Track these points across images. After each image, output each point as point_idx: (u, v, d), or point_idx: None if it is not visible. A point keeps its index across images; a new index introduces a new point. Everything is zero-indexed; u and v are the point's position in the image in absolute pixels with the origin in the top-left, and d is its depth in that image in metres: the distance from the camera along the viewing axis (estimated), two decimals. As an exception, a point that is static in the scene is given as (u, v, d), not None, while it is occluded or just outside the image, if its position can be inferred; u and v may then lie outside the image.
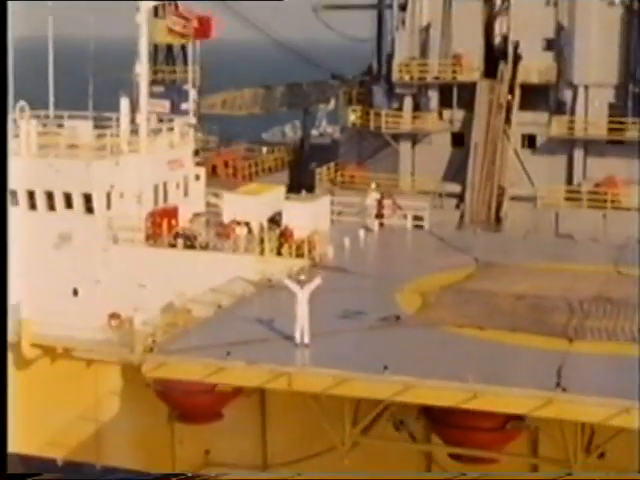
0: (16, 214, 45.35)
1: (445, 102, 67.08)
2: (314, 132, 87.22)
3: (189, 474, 36.15)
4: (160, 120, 55.26)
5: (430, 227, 54.65)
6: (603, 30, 64.06)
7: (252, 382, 33.22)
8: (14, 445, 45.96)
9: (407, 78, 65.99)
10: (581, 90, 64.51)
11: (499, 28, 69.47)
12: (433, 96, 66.58)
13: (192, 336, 35.83)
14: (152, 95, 67.87)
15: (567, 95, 64.88)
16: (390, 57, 66.62)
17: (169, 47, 73.58)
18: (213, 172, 63.45)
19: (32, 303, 45.57)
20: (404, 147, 66.90)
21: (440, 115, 67.17)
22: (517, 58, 65.83)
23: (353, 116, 67.83)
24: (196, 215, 50.76)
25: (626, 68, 64.00)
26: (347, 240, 48.50)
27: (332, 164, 69.33)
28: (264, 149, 75.91)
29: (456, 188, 65.30)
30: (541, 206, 63.84)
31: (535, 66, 65.61)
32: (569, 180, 64.97)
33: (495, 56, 67.52)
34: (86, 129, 50.73)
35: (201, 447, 42.18)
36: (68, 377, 45.58)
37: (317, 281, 34.53)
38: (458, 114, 66.86)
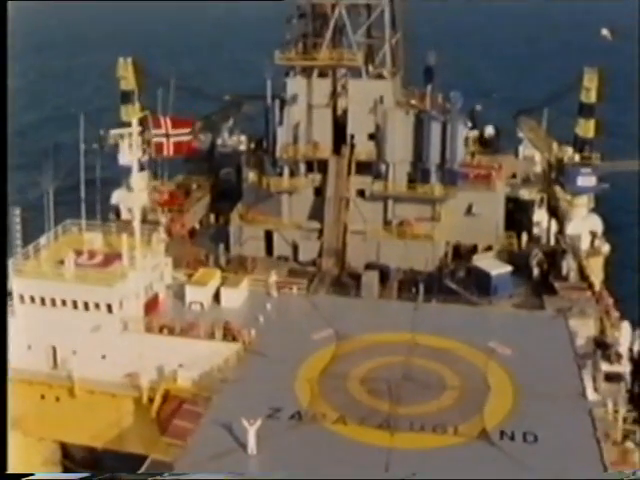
0: (68, 313, 54.28)
1: (309, 169, 71.68)
2: (219, 141, 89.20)
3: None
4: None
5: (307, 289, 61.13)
6: (402, 129, 69.30)
7: None
8: (77, 438, 55.23)
9: (285, 157, 70.43)
10: (391, 165, 69.75)
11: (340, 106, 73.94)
12: (302, 166, 71.27)
13: (190, 456, 41.64)
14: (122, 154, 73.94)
15: (383, 167, 70.00)
16: (274, 141, 70.53)
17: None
18: (169, 234, 68.01)
19: (78, 364, 54.66)
20: (284, 197, 71.51)
21: (306, 176, 71.48)
22: (353, 145, 71.15)
23: (252, 175, 72.02)
24: (167, 287, 59.89)
25: (416, 152, 69.50)
26: (261, 317, 55.23)
27: (239, 205, 72.96)
28: (194, 186, 79.42)
29: (317, 225, 70.30)
30: (369, 237, 69.53)
31: (364, 150, 70.67)
32: (385, 219, 70.48)
33: (340, 140, 71.82)
34: (98, 239, 59.06)
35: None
36: (100, 404, 54.62)
37: (258, 423, 41.53)
38: (317, 176, 71.45)
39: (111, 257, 56.66)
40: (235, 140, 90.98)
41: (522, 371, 50.02)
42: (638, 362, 54.19)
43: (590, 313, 58.55)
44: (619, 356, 53.49)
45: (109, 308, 53.88)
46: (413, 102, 72.94)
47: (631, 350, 54.97)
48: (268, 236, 72.00)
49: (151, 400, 53.11)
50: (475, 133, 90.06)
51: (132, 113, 72.63)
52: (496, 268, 62.10)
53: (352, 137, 71.64)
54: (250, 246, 71.47)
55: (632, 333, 55.59)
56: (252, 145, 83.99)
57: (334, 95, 72.46)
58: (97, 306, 53.91)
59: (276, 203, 72.06)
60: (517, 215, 76.59)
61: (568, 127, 76.70)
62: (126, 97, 74.15)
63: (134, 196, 59.68)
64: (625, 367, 53.27)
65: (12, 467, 55.87)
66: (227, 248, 71.27)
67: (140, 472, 41.32)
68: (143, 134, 61.77)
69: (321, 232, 70.53)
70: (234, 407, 44.78)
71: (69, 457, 60.23)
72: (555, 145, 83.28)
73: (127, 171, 69.76)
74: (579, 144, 72.65)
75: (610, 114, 79.61)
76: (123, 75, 73.85)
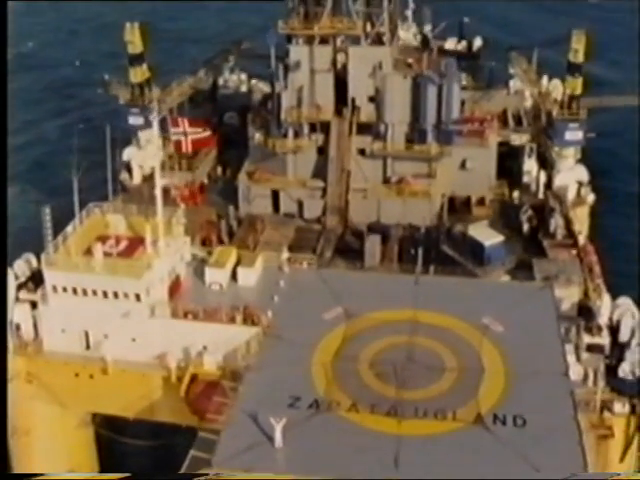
0: (99, 301, 58.23)
1: (313, 130, 74.29)
2: (221, 81, 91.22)
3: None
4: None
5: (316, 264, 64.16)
6: (400, 92, 71.74)
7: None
8: (109, 410, 61.08)
9: (289, 119, 73.01)
10: (390, 126, 72.51)
11: (341, 63, 76.18)
12: (305, 127, 73.75)
13: (225, 450, 44.62)
14: (132, 113, 77.68)
15: (382, 128, 72.79)
16: (279, 104, 73.17)
17: (141, 84, 77.16)
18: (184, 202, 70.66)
19: (109, 347, 59.15)
20: (289, 157, 74.29)
21: (309, 137, 74.23)
22: (354, 107, 74.21)
23: (258, 135, 74.78)
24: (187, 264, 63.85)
25: (413, 114, 72.13)
26: (276, 297, 58.19)
27: (247, 164, 75.64)
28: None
29: (320, 183, 73.63)
30: (370, 196, 73.10)
31: (364, 111, 73.60)
32: (384, 176, 73.81)
33: (342, 102, 74.71)
34: (121, 223, 62.43)
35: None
36: (131, 382, 58.75)
37: (284, 421, 44.63)
38: (320, 137, 74.10)
39: (135, 242, 59.64)
40: (236, 79, 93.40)
41: (512, 349, 53.66)
42: (616, 331, 59.32)
43: (575, 279, 63.40)
44: (600, 329, 58.75)
45: (137, 297, 57.67)
46: (410, 61, 75.24)
47: (610, 319, 60.16)
48: (275, 194, 75.51)
49: (179, 379, 57.91)
50: (463, 44, 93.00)
51: (140, 74, 76.26)
52: (489, 238, 66.17)
53: (353, 100, 74.43)
54: (258, 204, 75.16)
55: (612, 303, 60.66)
56: (252, 82, 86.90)
57: (335, 60, 75.06)
58: (126, 295, 57.08)
59: (281, 163, 74.86)
60: (508, 162, 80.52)
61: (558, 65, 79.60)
62: (134, 60, 76.89)
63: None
64: (605, 339, 58.52)
65: (47, 430, 62.43)
66: (236, 207, 74.87)
67: (181, 471, 46.09)
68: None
69: (324, 190, 73.78)
70: (259, 398, 48.58)
71: (98, 420, 65.67)
72: (545, 79, 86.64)
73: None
74: (567, 100, 75.74)
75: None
76: (130, 40, 76.20)
